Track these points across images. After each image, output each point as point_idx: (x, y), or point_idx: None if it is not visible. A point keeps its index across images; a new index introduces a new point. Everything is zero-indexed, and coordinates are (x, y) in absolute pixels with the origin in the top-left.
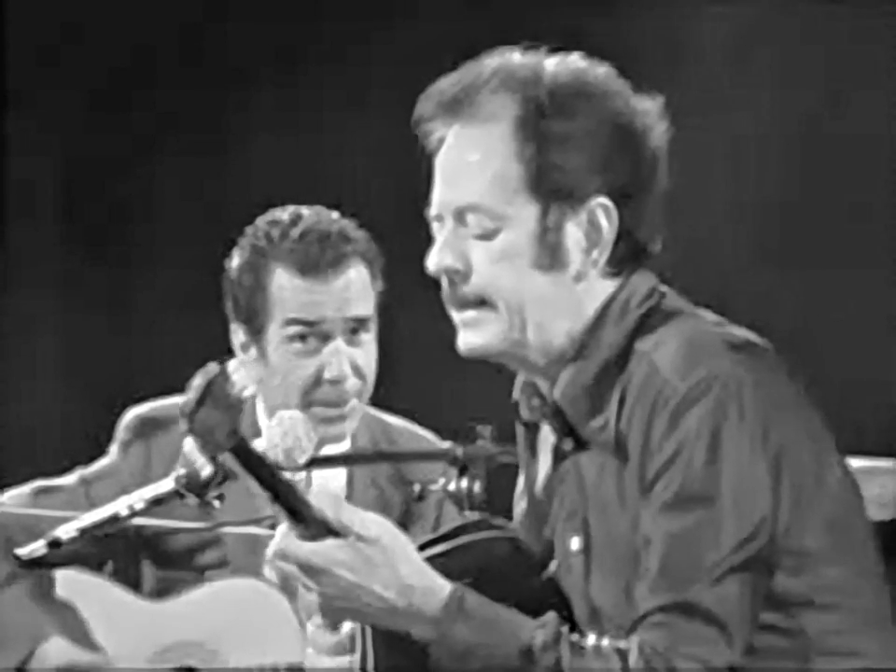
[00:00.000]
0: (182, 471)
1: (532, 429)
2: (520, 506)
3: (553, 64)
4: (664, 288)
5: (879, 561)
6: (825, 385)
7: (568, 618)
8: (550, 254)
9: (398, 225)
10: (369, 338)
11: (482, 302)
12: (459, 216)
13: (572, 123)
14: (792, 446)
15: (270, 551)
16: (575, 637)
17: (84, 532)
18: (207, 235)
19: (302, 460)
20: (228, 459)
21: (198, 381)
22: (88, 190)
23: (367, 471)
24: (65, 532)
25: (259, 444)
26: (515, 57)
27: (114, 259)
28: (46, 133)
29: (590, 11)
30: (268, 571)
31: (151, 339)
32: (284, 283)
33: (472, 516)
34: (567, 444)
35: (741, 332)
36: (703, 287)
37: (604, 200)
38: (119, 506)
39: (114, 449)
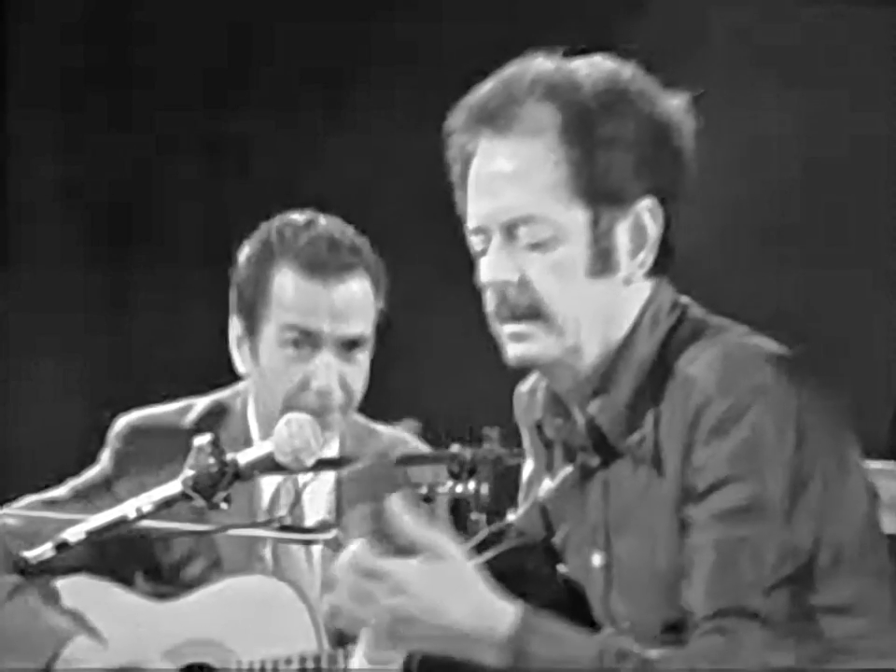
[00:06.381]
0: (189, 473)
1: (551, 448)
2: (521, 520)
3: (586, 67)
4: (684, 299)
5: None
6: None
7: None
8: (602, 260)
9: (404, 229)
10: (362, 357)
11: (535, 315)
12: (509, 228)
13: (617, 126)
14: (826, 458)
15: (339, 564)
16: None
17: (91, 534)
18: (215, 238)
19: (310, 462)
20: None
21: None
22: (89, 191)
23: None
24: (73, 535)
25: (266, 445)
26: (544, 64)
27: (117, 261)
28: (47, 132)
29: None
30: (324, 598)
31: (153, 344)
32: (286, 282)
33: (485, 522)
34: (594, 461)
35: (770, 343)
36: (696, 290)
37: (649, 201)
38: (127, 508)
39: (105, 457)
